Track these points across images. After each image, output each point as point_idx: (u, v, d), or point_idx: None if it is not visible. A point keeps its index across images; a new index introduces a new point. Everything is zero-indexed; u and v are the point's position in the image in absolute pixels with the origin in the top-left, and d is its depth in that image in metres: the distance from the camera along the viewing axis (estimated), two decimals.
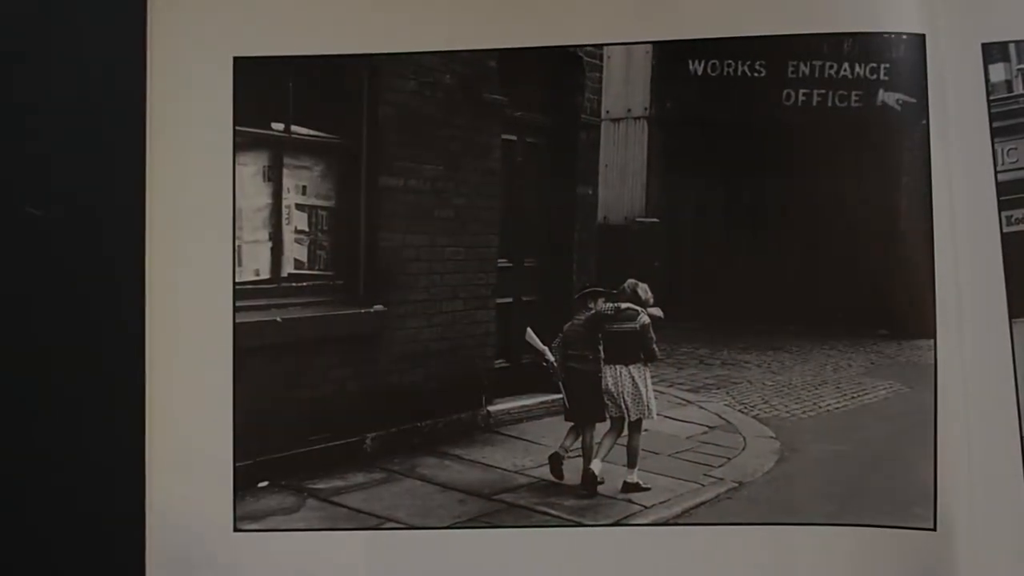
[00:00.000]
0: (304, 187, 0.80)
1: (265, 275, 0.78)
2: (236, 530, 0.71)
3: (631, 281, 0.80)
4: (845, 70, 0.73)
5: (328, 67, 0.73)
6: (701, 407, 0.85)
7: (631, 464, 0.79)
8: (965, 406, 0.69)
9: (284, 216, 0.79)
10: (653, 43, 0.74)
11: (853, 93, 0.74)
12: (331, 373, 0.78)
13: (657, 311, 0.81)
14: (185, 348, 0.71)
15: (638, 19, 0.73)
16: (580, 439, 0.82)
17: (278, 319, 0.78)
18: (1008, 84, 0.72)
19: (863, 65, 0.72)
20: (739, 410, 0.84)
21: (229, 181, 0.72)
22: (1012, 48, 0.72)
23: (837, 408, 0.78)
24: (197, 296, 0.72)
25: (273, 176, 0.78)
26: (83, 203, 0.72)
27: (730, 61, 0.74)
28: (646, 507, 0.76)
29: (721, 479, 0.78)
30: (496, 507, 0.75)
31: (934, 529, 0.68)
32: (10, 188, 0.73)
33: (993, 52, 0.72)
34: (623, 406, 0.84)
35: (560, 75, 0.79)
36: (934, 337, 0.70)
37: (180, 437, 0.71)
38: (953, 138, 0.71)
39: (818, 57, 0.73)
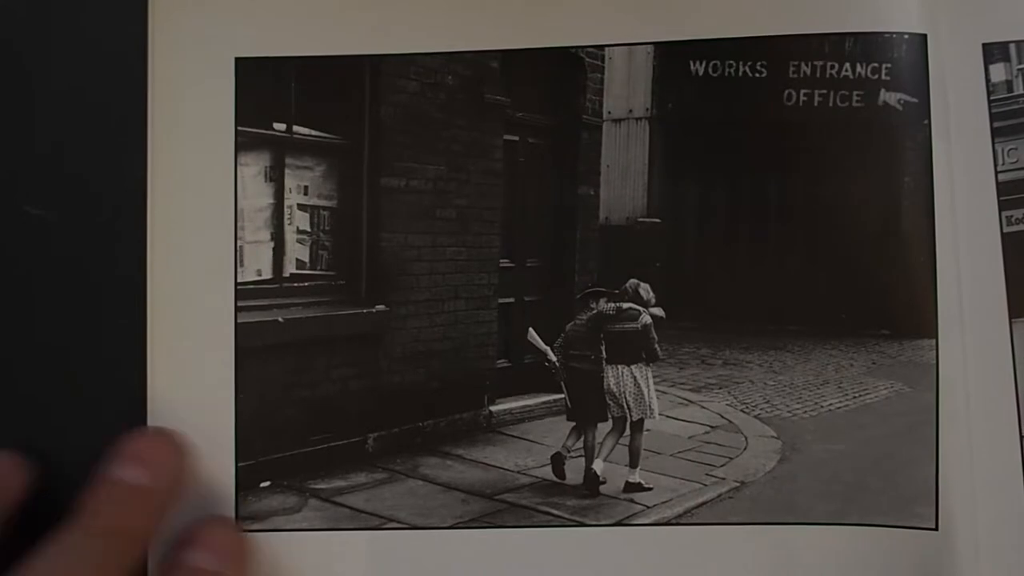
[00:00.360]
0: (306, 187, 0.80)
1: (267, 275, 0.78)
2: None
3: (633, 281, 0.80)
4: (846, 70, 0.73)
5: (330, 67, 0.73)
6: (703, 407, 0.85)
7: (633, 464, 0.79)
8: (966, 406, 0.70)
9: (286, 216, 0.79)
10: (654, 44, 0.74)
11: (854, 93, 0.74)
12: (333, 373, 0.77)
13: (659, 311, 0.81)
14: (186, 348, 0.71)
15: (639, 20, 0.73)
16: (582, 439, 0.82)
17: (280, 319, 0.78)
18: (1008, 84, 0.72)
19: (864, 65, 0.72)
20: (741, 410, 0.84)
21: (231, 181, 0.72)
22: (1013, 48, 0.72)
23: (839, 408, 0.78)
24: (199, 296, 0.72)
25: (275, 176, 0.78)
26: (83, 203, 0.72)
27: (731, 62, 0.74)
28: (648, 507, 0.76)
29: (723, 479, 0.78)
30: (498, 507, 0.75)
31: (936, 529, 0.69)
32: (10, 188, 0.73)
33: (994, 52, 0.72)
34: (625, 406, 0.84)
35: (562, 76, 0.79)
36: (935, 337, 0.70)
37: None
38: (954, 138, 0.71)
39: (819, 57, 0.73)
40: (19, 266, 0.73)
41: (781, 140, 0.75)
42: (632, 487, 0.78)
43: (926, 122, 0.71)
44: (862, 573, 0.69)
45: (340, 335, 0.82)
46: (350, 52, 0.73)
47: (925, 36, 0.71)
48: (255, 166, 0.75)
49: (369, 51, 0.73)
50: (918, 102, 0.71)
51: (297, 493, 0.74)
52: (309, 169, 0.80)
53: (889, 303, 0.72)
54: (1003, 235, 0.71)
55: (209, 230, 0.72)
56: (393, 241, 0.80)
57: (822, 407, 0.78)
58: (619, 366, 0.86)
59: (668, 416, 0.82)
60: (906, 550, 0.69)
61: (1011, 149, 0.72)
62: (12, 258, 0.73)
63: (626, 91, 0.82)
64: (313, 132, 0.79)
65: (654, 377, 0.83)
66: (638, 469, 0.79)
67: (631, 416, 0.83)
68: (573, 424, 0.83)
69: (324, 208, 0.81)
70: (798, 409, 0.79)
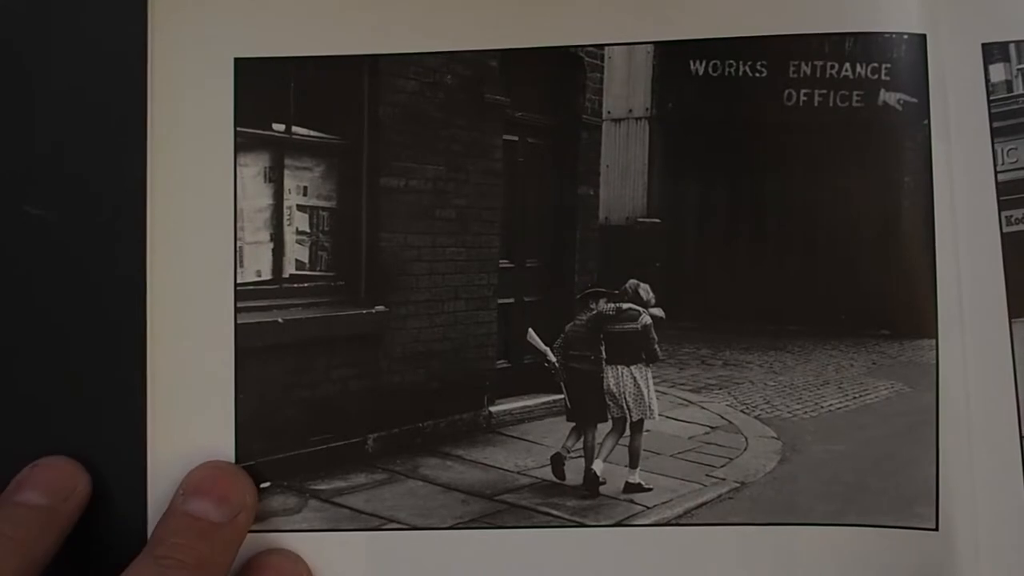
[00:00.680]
0: (305, 188, 0.80)
1: (267, 276, 0.78)
2: None
3: (633, 281, 0.80)
4: (846, 70, 0.73)
5: (329, 67, 0.73)
6: (703, 407, 0.85)
7: (633, 465, 0.79)
8: (966, 406, 0.69)
9: (286, 217, 0.79)
10: (654, 43, 0.74)
11: (854, 93, 0.74)
12: (333, 374, 0.77)
13: (659, 311, 0.81)
14: (186, 349, 0.71)
15: (639, 19, 0.73)
16: (582, 440, 0.82)
17: (279, 320, 0.78)
18: (1008, 84, 0.72)
19: (864, 65, 0.72)
20: (741, 410, 0.84)
21: (230, 182, 0.72)
22: (1012, 48, 0.72)
23: (839, 408, 0.78)
24: (198, 297, 0.72)
25: (274, 177, 0.78)
26: (83, 203, 0.72)
27: (731, 61, 0.74)
28: (648, 507, 0.76)
29: (723, 479, 0.78)
30: (498, 507, 0.75)
31: (936, 529, 0.69)
32: (10, 188, 0.73)
33: (993, 52, 0.72)
34: (625, 407, 0.84)
35: (561, 76, 0.79)
36: (935, 337, 0.70)
37: (181, 438, 0.71)
38: (953, 138, 0.71)
39: (819, 57, 0.73)
40: (19, 266, 0.73)
41: (781, 140, 0.74)
42: (632, 488, 0.78)
43: (926, 122, 0.71)
44: (862, 573, 0.69)
45: (340, 335, 0.82)
46: (349, 52, 0.73)
47: (925, 36, 0.71)
48: (254, 167, 0.75)
49: (368, 51, 0.73)
50: (918, 102, 0.71)
51: (297, 494, 0.74)
52: (308, 170, 0.80)
53: (889, 303, 0.72)
54: (1003, 235, 0.71)
55: (209, 231, 0.72)
56: (392, 241, 0.80)
57: (822, 407, 0.78)
58: (619, 366, 0.86)
59: (668, 417, 0.81)
60: (906, 550, 0.68)
61: (1011, 149, 0.72)
62: (12, 258, 0.73)
63: (626, 91, 0.82)
64: (312, 132, 0.79)
65: (654, 377, 0.83)
66: (638, 470, 0.79)
67: (631, 417, 0.83)
68: (573, 425, 0.83)
69: (323, 208, 0.81)
70: (798, 410, 0.79)
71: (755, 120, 0.76)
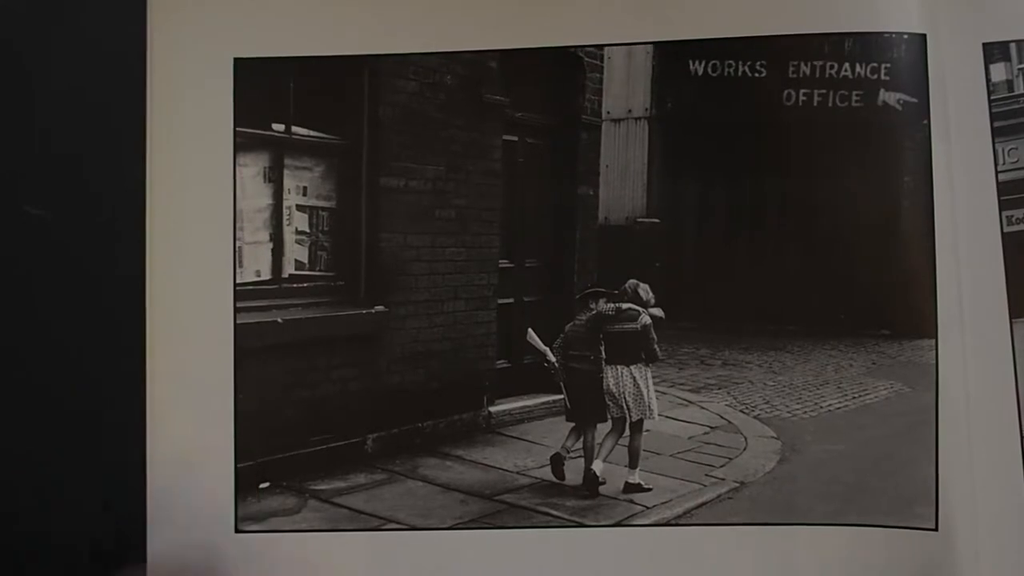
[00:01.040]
0: (305, 188, 0.80)
1: (266, 276, 0.78)
2: (238, 531, 0.71)
3: (632, 281, 0.80)
4: (846, 70, 0.73)
5: (329, 68, 0.73)
6: (702, 407, 0.85)
7: (632, 465, 0.79)
8: (966, 406, 0.69)
9: (285, 217, 0.79)
10: (654, 43, 0.74)
11: (854, 93, 0.74)
12: (332, 374, 0.78)
13: (658, 311, 0.81)
14: (186, 349, 0.71)
15: (638, 19, 0.73)
16: (582, 440, 0.82)
17: (279, 320, 0.78)
18: (1009, 84, 0.72)
19: (864, 65, 0.72)
20: (740, 410, 0.84)
21: (230, 182, 0.72)
22: (1013, 48, 0.72)
23: (838, 408, 0.78)
24: (198, 297, 0.72)
25: (274, 177, 0.78)
26: (83, 203, 0.72)
27: (731, 61, 0.74)
28: (648, 507, 0.76)
29: (722, 479, 0.78)
30: (498, 508, 0.75)
31: (936, 529, 0.68)
32: (10, 188, 0.73)
33: (994, 52, 0.72)
34: (624, 406, 0.84)
35: (561, 76, 0.79)
36: (935, 337, 0.69)
37: (181, 438, 0.71)
38: (954, 138, 0.71)
39: (819, 57, 0.73)
40: (19, 266, 0.73)
41: (781, 140, 0.74)
42: (632, 488, 0.78)
43: (926, 122, 0.71)
44: (862, 573, 0.69)
45: (339, 336, 0.82)
46: (349, 52, 0.73)
47: (924, 36, 0.71)
48: (254, 167, 0.75)
49: (368, 51, 0.73)
50: (918, 102, 0.71)
51: (297, 494, 0.74)
52: (308, 170, 0.80)
53: (889, 303, 0.72)
54: (1003, 235, 0.71)
55: (208, 231, 0.72)
56: (392, 241, 0.80)
57: (822, 407, 0.78)
58: (618, 366, 0.86)
59: (667, 416, 0.82)
60: (906, 550, 0.68)
61: (1011, 149, 0.72)
62: (12, 258, 0.73)
63: (625, 91, 0.82)
64: (312, 133, 0.80)
65: (653, 377, 0.83)
66: (637, 470, 0.79)
67: (630, 417, 0.83)
68: (572, 425, 0.83)
69: (323, 209, 0.81)
70: (798, 409, 0.79)
71: (755, 120, 0.76)
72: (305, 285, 0.81)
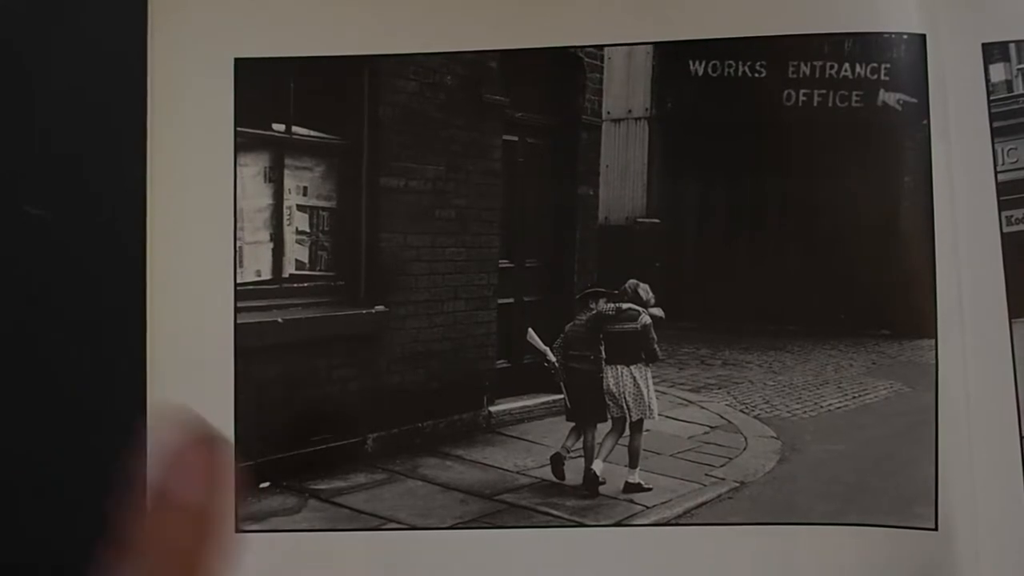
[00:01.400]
0: (305, 188, 0.80)
1: (267, 276, 0.78)
2: (238, 531, 0.71)
3: (632, 281, 0.80)
4: (846, 70, 0.73)
5: (329, 68, 0.73)
6: (702, 407, 0.85)
7: (633, 464, 0.79)
8: (966, 406, 0.69)
9: (286, 217, 0.79)
10: (654, 44, 0.74)
11: (854, 93, 0.74)
12: (332, 374, 0.78)
13: (658, 311, 0.81)
14: (186, 348, 0.71)
15: (639, 20, 0.73)
16: (582, 439, 0.82)
17: (279, 320, 0.78)
18: (1008, 84, 0.72)
19: (864, 65, 0.72)
20: (740, 410, 0.84)
21: (230, 182, 0.72)
22: (1012, 48, 0.72)
23: (838, 408, 0.78)
24: (198, 297, 0.72)
25: (274, 177, 0.78)
26: (83, 203, 0.72)
27: (731, 61, 0.74)
28: (648, 507, 0.76)
29: (722, 479, 0.78)
30: (498, 507, 0.75)
31: (935, 529, 0.68)
32: (10, 188, 0.73)
33: (993, 52, 0.72)
34: (625, 406, 0.84)
35: (561, 76, 0.79)
36: (935, 337, 0.70)
37: None
38: (953, 138, 0.71)
39: (819, 57, 0.73)
40: (19, 266, 0.73)
41: (780, 140, 0.74)
42: (632, 487, 0.78)
43: (925, 122, 0.71)
44: (862, 573, 0.69)
45: (339, 335, 0.82)
46: (349, 52, 0.73)
47: (924, 36, 0.71)
48: (254, 166, 0.75)
49: (368, 51, 0.73)
50: (917, 102, 0.71)
51: (297, 493, 0.74)
52: (308, 170, 0.80)
53: (889, 303, 0.72)
54: (1003, 235, 0.71)
55: (209, 230, 0.72)
56: (392, 241, 0.80)
57: (822, 407, 0.78)
58: (618, 366, 0.86)
59: (668, 416, 0.82)
60: (906, 550, 0.68)
61: (1011, 149, 0.72)
62: (12, 258, 0.73)
63: (625, 91, 0.82)
64: (312, 133, 0.80)
65: (653, 377, 0.83)
66: (637, 469, 0.79)
67: (630, 416, 0.83)
68: (572, 424, 0.83)
69: (323, 208, 0.81)
70: (798, 409, 0.79)
71: (755, 120, 0.76)
72: (305, 285, 0.81)
